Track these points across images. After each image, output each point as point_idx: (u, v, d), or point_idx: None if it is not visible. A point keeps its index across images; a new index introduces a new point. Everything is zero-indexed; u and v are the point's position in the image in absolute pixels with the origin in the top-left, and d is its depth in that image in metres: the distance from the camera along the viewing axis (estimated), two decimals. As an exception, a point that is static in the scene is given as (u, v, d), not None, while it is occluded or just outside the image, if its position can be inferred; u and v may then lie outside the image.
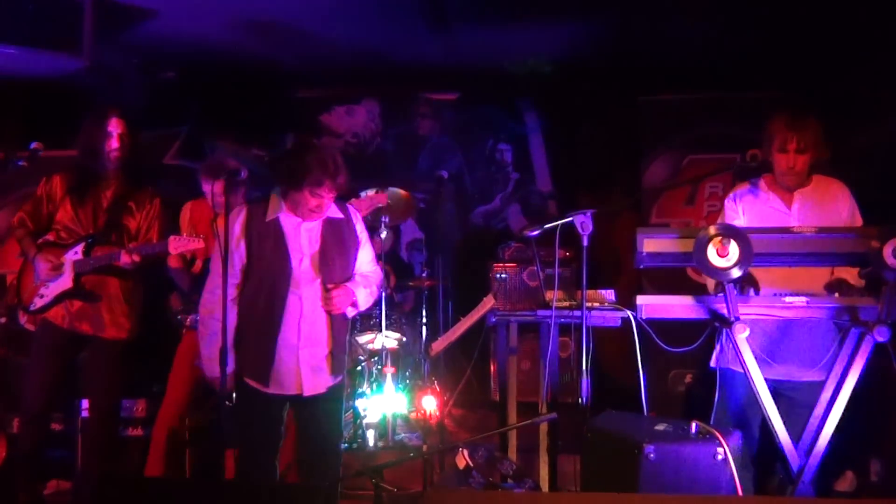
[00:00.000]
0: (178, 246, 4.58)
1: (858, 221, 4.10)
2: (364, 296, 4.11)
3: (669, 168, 6.36)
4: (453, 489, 3.57)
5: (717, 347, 4.16)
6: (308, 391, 3.94)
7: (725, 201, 4.31)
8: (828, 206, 4.11)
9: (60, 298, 4.71)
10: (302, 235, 3.97)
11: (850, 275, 3.95)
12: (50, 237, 4.80)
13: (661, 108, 6.44)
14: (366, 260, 4.18)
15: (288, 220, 3.97)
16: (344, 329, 4.09)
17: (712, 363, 4.20)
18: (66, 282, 4.70)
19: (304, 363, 3.93)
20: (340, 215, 4.09)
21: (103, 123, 4.76)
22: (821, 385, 3.74)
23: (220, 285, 3.86)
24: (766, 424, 3.69)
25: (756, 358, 3.67)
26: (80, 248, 4.71)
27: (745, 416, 4.04)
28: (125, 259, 4.60)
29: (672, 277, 5.58)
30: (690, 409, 5.68)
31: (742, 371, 3.70)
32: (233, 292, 3.93)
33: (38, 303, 4.74)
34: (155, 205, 4.88)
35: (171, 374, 5.00)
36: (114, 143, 4.75)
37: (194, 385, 4.89)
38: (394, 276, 6.41)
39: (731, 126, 6.03)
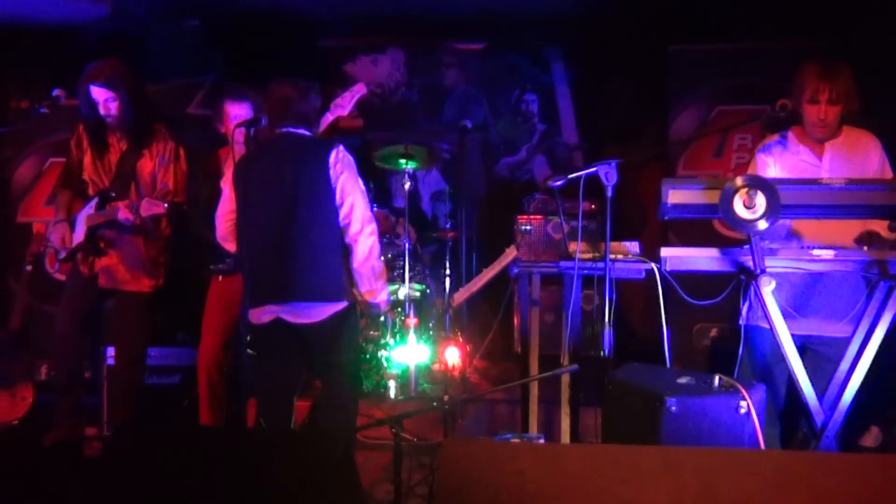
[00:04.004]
0: (147, 209, 4.56)
1: (888, 173, 4.00)
2: None
3: (698, 119, 6.26)
4: (471, 439, 3.56)
5: (746, 304, 4.10)
6: None
7: (756, 154, 4.18)
8: (858, 158, 4.00)
9: (77, 251, 4.77)
10: None
11: (881, 228, 3.88)
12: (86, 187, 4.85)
13: (690, 58, 6.34)
14: None
15: None
16: None
17: (741, 320, 4.13)
18: (79, 235, 4.74)
19: None
20: None
21: (86, 94, 4.69)
22: (849, 340, 3.69)
23: None
24: (792, 380, 3.65)
25: (783, 312, 3.62)
26: (94, 202, 4.74)
27: (770, 371, 4.00)
28: (122, 216, 4.59)
29: (699, 230, 5.52)
30: (715, 363, 5.65)
31: (768, 327, 3.65)
32: None
33: (63, 253, 4.83)
34: (169, 149, 4.85)
35: (203, 321, 5.01)
36: (101, 111, 4.70)
37: (227, 331, 4.83)
38: (413, 230, 6.38)
39: (761, 76, 5.93)
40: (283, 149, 4.06)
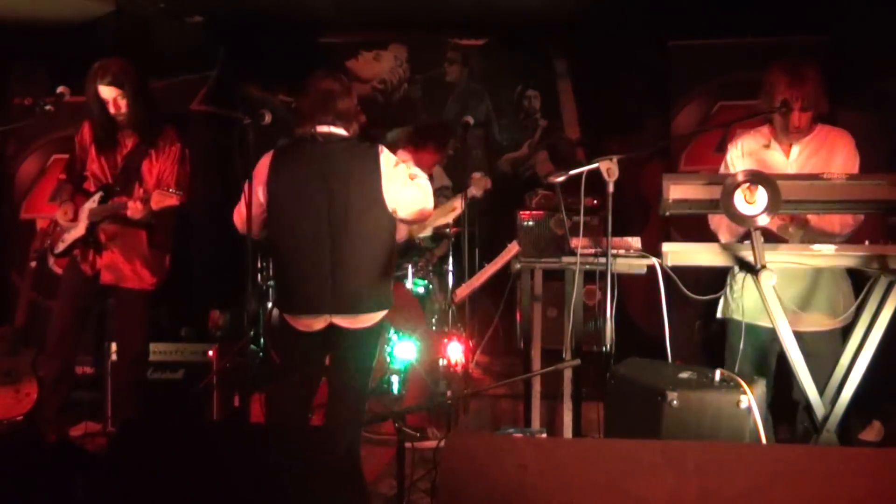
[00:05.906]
0: (159, 201, 4.55)
1: (853, 171, 4.00)
2: None
3: (700, 114, 6.26)
4: (474, 434, 3.58)
5: (722, 299, 4.15)
6: None
7: (727, 150, 4.25)
8: (824, 154, 4.04)
9: (75, 245, 4.79)
10: None
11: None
12: (87, 185, 4.86)
13: (692, 54, 6.33)
14: None
15: None
16: None
17: (718, 314, 4.24)
18: (79, 229, 4.76)
19: None
20: None
21: (94, 94, 4.69)
22: (842, 333, 3.71)
23: None
24: (779, 374, 3.67)
25: (756, 307, 3.67)
26: (97, 196, 4.75)
27: (756, 365, 4.03)
28: (132, 210, 4.59)
29: (701, 225, 5.51)
30: (717, 358, 5.64)
31: (741, 320, 3.76)
32: None
33: (60, 247, 4.87)
34: (174, 150, 4.84)
35: None
36: (111, 109, 4.71)
37: None
38: None
39: (763, 71, 5.91)
40: (327, 153, 3.89)
